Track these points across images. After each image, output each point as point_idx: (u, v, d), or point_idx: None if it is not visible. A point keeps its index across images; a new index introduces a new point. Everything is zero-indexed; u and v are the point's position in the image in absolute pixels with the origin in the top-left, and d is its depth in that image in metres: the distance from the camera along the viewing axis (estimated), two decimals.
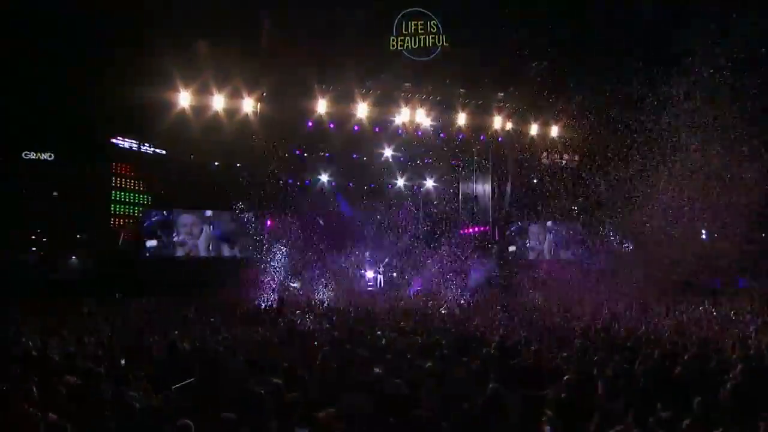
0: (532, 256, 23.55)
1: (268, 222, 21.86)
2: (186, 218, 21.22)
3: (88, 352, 7.01)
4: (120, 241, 21.07)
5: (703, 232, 18.43)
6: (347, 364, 6.08)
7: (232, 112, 19.93)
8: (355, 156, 24.75)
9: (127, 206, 22.35)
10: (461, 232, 26.38)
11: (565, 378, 5.19)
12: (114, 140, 20.49)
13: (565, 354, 6.74)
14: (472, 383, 5.16)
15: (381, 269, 24.20)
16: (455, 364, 6.52)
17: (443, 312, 13.49)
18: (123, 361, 6.61)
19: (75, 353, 6.60)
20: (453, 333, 9.35)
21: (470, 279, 22.86)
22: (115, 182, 22.04)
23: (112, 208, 22.08)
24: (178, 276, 19.35)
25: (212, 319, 11.00)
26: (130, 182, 22.04)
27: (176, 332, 9.06)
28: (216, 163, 21.59)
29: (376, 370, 5.43)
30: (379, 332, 8.97)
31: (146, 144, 21.10)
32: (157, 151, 21.78)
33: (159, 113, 19.16)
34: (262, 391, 4.57)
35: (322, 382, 5.34)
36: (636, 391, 5.16)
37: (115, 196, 22.49)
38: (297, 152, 23.70)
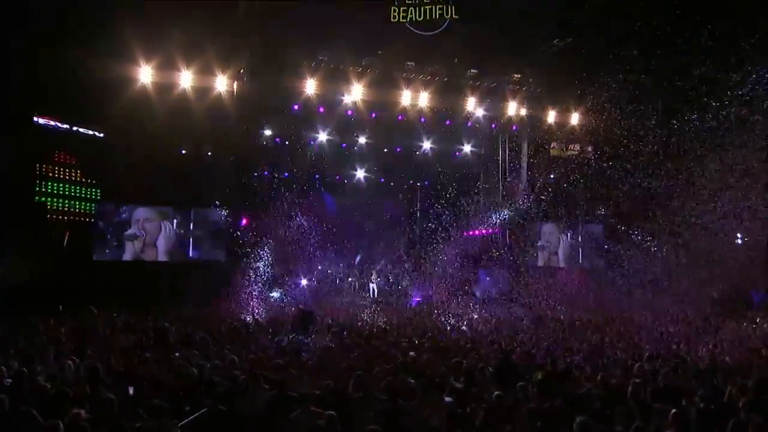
0: (540, 262, 23.79)
1: (243, 221, 21.78)
2: (143, 214, 20.79)
3: (84, 379, 6.75)
4: (64, 242, 20.37)
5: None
6: (397, 392, 6.00)
7: (202, 91, 19.63)
8: (344, 145, 24.48)
9: (69, 201, 21.61)
10: (466, 234, 26.65)
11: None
12: (44, 121, 19.67)
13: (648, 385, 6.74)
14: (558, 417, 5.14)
15: (375, 277, 24.10)
16: (517, 391, 6.50)
17: (464, 329, 13.49)
18: (131, 390, 6.39)
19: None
20: (494, 354, 9.33)
21: (480, 289, 23.27)
22: (52, 171, 21.29)
23: (49, 203, 21.24)
24: (135, 283, 18.76)
25: (202, 336, 10.71)
26: (73, 172, 21.23)
27: (176, 354, 8.79)
28: (183, 151, 21.08)
29: (447, 399, 5.37)
30: (412, 353, 8.88)
31: (83, 127, 20.41)
32: (99, 134, 21.08)
33: (112, 91, 18.55)
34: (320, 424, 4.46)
35: (385, 414, 5.24)
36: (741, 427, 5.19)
37: (51, 188, 21.69)
38: (277, 140, 23.35)
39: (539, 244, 23.55)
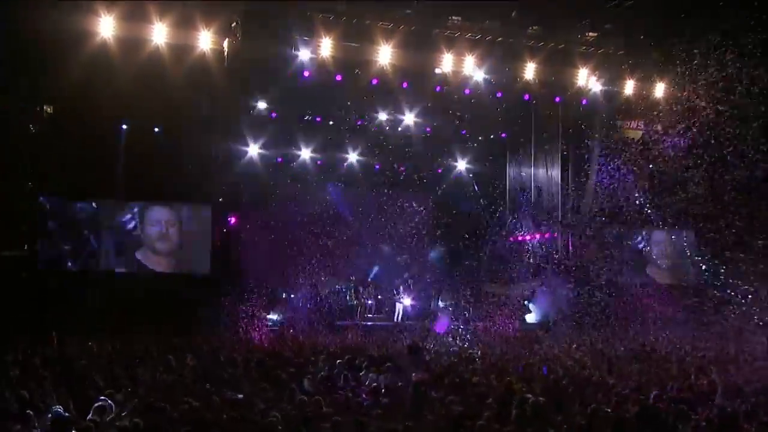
0: (626, 275, 23.69)
1: (232, 219, 21.89)
2: (105, 211, 20.50)
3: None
4: None
5: None
6: None
7: (181, 50, 19.34)
8: (359, 123, 24.33)
9: None
10: (513, 239, 26.56)
11: None
12: None
13: None
14: None
15: (402, 294, 24.13)
16: None
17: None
18: None
19: None
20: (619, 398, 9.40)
21: (536, 311, 23.22)
22: None
23: None
24: (97, 299, 18.73)
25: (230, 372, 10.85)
26: None
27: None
28: (156, 129, 20.70)
29: None
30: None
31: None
32: (48, 109, 20.70)
33: (61, 49, 18.23)
34: None
35: None
36: None
37: None
38: (273, 115, 23.10)
39: (629, 252, 23.52)
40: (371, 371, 11.48)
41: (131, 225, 20.65)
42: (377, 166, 26.81)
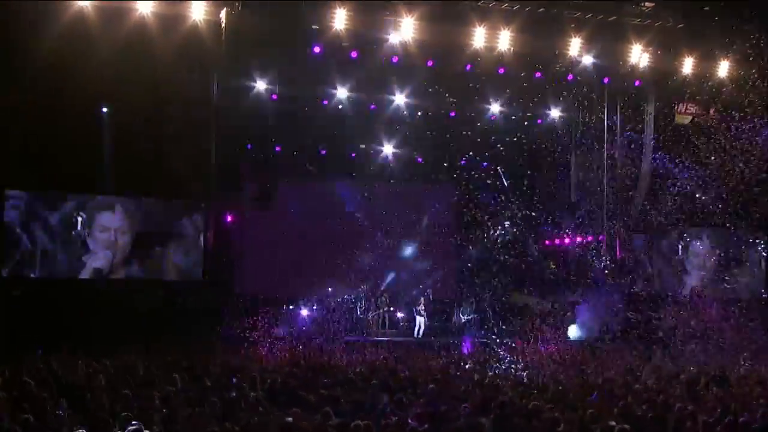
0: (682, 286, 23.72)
1: (228, 218, 22.34)
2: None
3: None
4: None
5: None
6: None
7: (169, 21, 19.17)
8: (373, 107, 24.17)
9: None
10: (547, 242, 26.45)
11: None
12: None
13: None
14: None
15: (423, 307, 24.17)
16: None
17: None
18: None
19: None
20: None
21: (578, 324, 23.04)
22: None
23: None
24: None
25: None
26: None
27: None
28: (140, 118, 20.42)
29: None
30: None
31: None
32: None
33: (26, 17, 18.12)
34: None
35: None
36: None
37: None
38: (274, 97, 22.92)
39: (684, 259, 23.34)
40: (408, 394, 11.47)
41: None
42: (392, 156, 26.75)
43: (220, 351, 17.04)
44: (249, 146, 24.00)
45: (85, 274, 20.43)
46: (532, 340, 20.09)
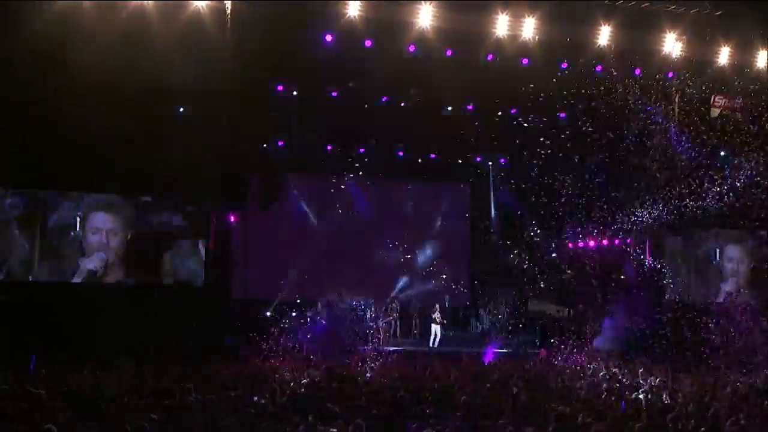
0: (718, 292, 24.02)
1: (231, 218, 22.60)
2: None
3: None
4: None
5: None
6: None
7: (171, 9, 19.53)
8: (385, 99, 24.32)
9: None
10: (571, 245, 26.68)
11: None
12: None
13: None
14: None
15: (438, 314, 24.50)
16: None
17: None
18: None
19: None
20: None
21: (605, 333, 23.41)
22: None
23: None
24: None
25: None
26: None
27: None
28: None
29: None
30: None
31: None
32: None
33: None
34: None
35: None
36: None
37: None
38: (279, 88, 23.31)
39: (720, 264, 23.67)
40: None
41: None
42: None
43: (229, 359, 17.59)
44: (255, 141, 24.36)
45: (78, 278, 20.78)
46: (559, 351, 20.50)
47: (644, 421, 10.77)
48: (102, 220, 21.12)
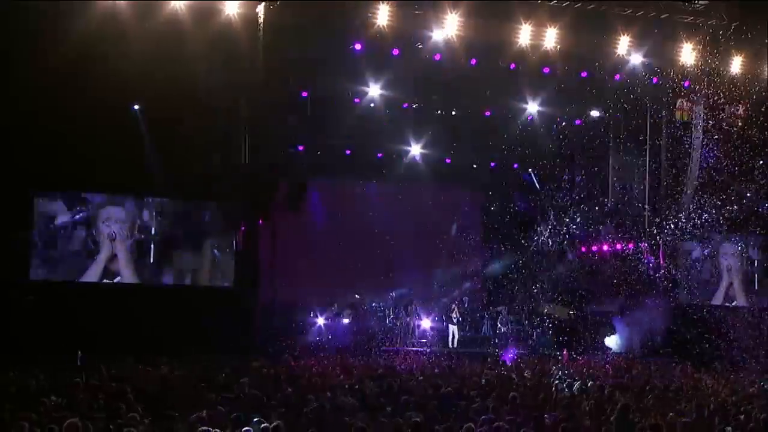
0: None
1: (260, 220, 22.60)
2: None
3: None
4: None
5: None
6: None
7: (202, 15, 19.71)
8: (405, 106, 24.84)
9: None
10: (583, 249, 27.00)
11: None
12: None
13: None
14: None
15: (456, 314, 24.75)
16: None
17: None
18: None
19: None
20: None
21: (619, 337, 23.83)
22: None
23: None
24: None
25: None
26: None
27: None
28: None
29: None
30: None
31: None
32: None
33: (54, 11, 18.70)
34: None
35: None
36: None
37: None
38: (304, 95, 23.67)
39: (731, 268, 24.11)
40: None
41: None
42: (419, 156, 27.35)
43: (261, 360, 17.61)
44: (281, 145, 24.40)
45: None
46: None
47: None
48: (130, 222, 21.40)
